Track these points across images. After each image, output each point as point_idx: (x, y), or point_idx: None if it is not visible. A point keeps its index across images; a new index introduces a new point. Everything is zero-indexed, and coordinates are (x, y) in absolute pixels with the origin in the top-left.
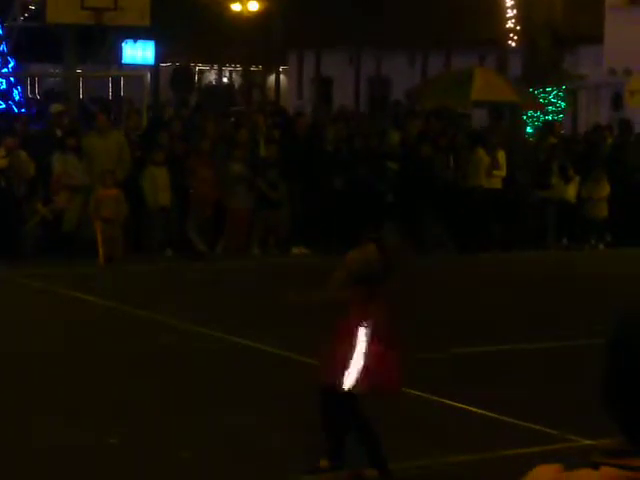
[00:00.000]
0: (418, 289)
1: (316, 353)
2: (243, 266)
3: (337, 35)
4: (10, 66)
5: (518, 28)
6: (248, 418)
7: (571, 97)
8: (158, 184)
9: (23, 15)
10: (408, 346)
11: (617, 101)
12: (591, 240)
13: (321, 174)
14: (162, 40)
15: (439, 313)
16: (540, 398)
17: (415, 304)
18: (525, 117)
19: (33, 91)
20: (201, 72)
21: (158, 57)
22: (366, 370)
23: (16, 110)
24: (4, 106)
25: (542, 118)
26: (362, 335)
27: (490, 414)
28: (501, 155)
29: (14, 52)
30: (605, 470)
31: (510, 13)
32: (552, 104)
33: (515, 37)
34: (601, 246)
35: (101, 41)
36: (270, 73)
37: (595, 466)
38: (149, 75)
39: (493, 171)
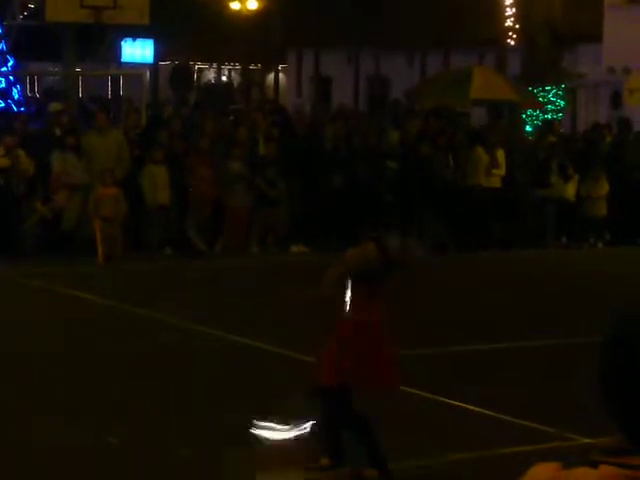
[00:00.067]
0: (418, 289)
1: (315, 352)
2: (242, 264)
3: (336, 34)
4: (9, 65)
5: (517, 27)
6: (248, 417)
7: (570, 96)
8: (157, 183)
9: (22, 13)
10: (405, 345)
11: (616, 100)
12: (590, 238)
13: (320, 172)
14: (161, 38)
15: (438, 312)
16: (539, 396)
17: (415, 304)
18: (524, 116)
19: (32, 90)
20: (200, 70)
21: (157, 55)
22: (350, 363)
23: (15, 109)
24: (3, 105)
25: (541, 117)
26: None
27: (489, 412)
28: (500, 154)
29: (13, 51)
30: (604, 469)
31: (509, 12)
32: (551, 103)
33: (514, 36)
34: (600, 244)
35: (100, 40)
36: (269, 72)
37: (594, 464)
38: (148, 73)
39: (492, 170)
